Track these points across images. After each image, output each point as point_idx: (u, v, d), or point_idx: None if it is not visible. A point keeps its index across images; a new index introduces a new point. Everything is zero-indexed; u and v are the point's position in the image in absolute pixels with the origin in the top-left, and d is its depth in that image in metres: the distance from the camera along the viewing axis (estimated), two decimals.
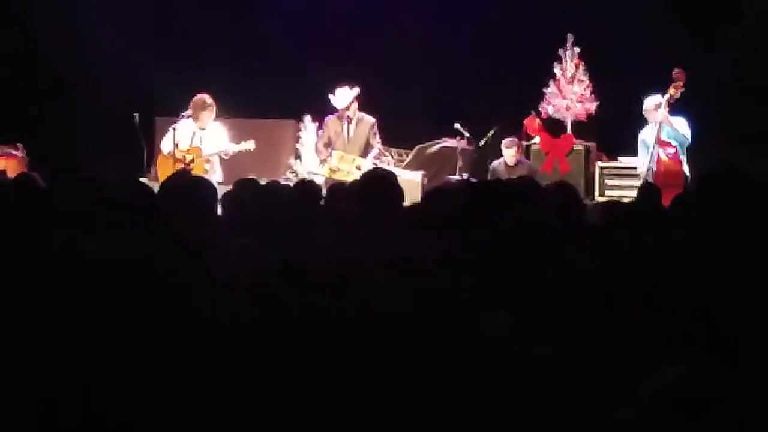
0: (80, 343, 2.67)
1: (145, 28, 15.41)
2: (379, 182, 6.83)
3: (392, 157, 14.25)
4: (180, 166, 12.11)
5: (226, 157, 12.40)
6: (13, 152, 13.68)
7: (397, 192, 6.81)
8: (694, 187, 5.47)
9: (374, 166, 11.54)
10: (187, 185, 5.48)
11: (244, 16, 15.84)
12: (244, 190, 7.63)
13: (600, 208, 7.81)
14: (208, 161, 12.32)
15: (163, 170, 12.08)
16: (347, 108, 12.63)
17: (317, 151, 13.06)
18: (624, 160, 13.54)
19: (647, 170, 12.00)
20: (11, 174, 10.64)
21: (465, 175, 12.93)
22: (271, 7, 15.69)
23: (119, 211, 4.65)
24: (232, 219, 6.04)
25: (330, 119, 12.84)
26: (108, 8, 15.27)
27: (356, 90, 12.65)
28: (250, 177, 8.59)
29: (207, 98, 12.44)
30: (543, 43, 14.46)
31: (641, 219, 6.00)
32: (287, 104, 14.68)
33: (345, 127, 12.68)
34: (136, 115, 12.70)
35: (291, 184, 9.66)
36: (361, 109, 12.78)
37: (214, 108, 12.45)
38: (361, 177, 7.32)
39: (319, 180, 11.36)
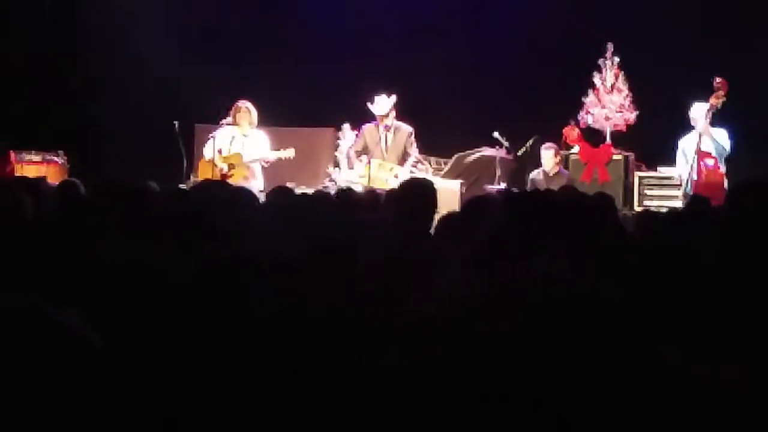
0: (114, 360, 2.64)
1: (186, 37, 15.49)
2: (417, 191, 6.86)
3: (430, 165, 14.23)
4: (219, 171, 12.17)
5: (266, 165, 12.45)
6: (54, 158, 13.77)
7: (434, 201, 6.83)
8: (726, 200, 5.42)
9: (412, 174, 11.58)
10: (228, 197, 5.52)
11: (284, 25, 15.90)
12: (280, 198, 7.70)
13: (635, 218, 7.79)
14: (248, 168, 12.37)
15: (203, 176, 12.12)
16: (386, 115, 12.64)
17: (347, 156, 13.10)
18: (663, 170, 13.46)
19: (687, 180, 11.95)
20: (52, 180, 10.68)
21: (503, 185, 12.92)
22: (310, 16, 15.75)
23: (165, 223, 4.67)
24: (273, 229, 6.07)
25: (367, 127, 12.87)
26: (151, 17, 15.38)
27: (394, 98, 12.67)
28: (285, 186, 8.65)
29: (241, 103, 12.50)
30: (583, 52, 14.41)
31: (675, 229, 5.98)
32: (326, 112, 14.72)
33: (383, 135, 12.70)
34: (176, 122, 12.77)
35: (331, 191, 9.71)
36: (399, 117, 12.80)
37: (252, 112, 12.46)
38: (399, 185, 7.35)
39: (358, 188, 11.38)
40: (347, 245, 4.12)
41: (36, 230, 4.45)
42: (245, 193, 5.44)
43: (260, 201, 6.05)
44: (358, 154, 12.78)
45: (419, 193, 6.90)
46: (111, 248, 3.31)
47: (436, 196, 7.06)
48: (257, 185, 12.11)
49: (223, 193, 5.58)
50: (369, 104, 12.76)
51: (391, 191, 8.06)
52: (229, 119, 12.51)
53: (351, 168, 12.92)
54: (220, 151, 12.38)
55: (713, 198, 11.31)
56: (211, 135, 12.61)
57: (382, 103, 12.68)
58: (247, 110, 12.50)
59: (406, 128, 12.75)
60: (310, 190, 10.56)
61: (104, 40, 15.27)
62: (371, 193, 8.58)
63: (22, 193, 7.14)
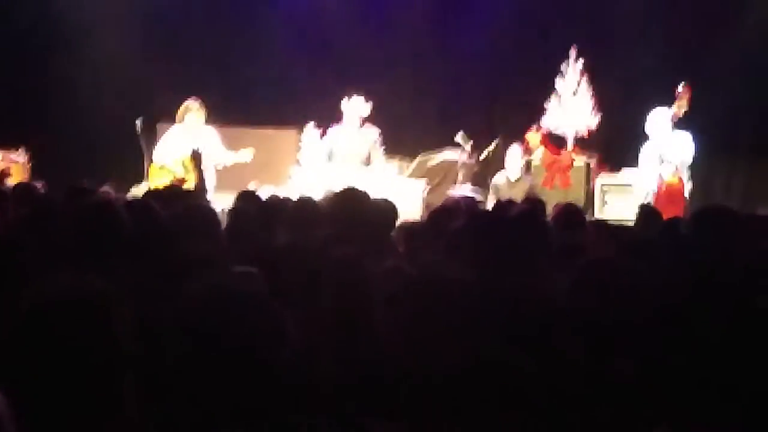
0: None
1: (147, 34, 15.40)
2: (351, 203, 6.76)
3: (396, 165, 14.16)
4: (171, 176, 12.02)
5: (219, 167, 12.33)
6: (14, 157, 13.59)
7: (371, 211, 6.73)
8: (688, 225, 5.45)
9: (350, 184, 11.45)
10: (190, 208, 5.50)
11: (248, 21, 15.80)
12: (247, 204, 7.66)
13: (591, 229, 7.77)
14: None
15: (156, 181, 11.89)
16: (362, 117, 12.63)
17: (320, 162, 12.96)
18: (626, 172, 13.45)
19: (648, 189, 11.99)
20: (13, 181, 10.57)
21: (467, 187, 12.94)
22: (274, 14, 15.67)
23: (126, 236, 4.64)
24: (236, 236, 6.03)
25: (333, 129, 12.83)
26: (113, 13, 15.26)
27: (370, 105, 12.65)
28: (250, 191, 8.61)
29: (190, 101, 12.38)
30: (547, 56, 14.44)
31: (632, 245, 5.98)
32: (289, 112, 14.65)
33: (349, 137, 12.67)
34: (140, 120, 12.61)
35: (293, 194, 9.67)
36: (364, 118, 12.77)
37: (201, 111, 12.36)
38: (333, 198, 7.25)
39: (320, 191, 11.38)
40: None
41: None
42: (206, 214, 5.43)
43: (216, 212, 5.99)
44: (328, 155, 12.74)
45: (356, 206, 6.77)
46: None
47: (380, 205, 6.99)
48: (210, 185, 12.00)
49: (186, 216, 5.48)
50: (345, 101, 12.70)
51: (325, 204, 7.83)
52: (180, 118, 12.42)
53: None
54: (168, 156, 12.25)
55: (674, 205, 11.43)
56: (161, 138, 12.55)
57: (359, 105, 12.65)
58: (197, 109, 12.39)
59: (374, 131, 12.72)
60: (272, 191, 10.54)
61: (66, 37, 15.12)
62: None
63: None
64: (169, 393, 2.88)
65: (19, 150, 13.70)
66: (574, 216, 7.40)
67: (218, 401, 2.77)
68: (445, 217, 7.25)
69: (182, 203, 6.21)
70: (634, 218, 8.62)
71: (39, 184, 8.85)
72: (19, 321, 2.69)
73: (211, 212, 5.70)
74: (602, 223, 8.10)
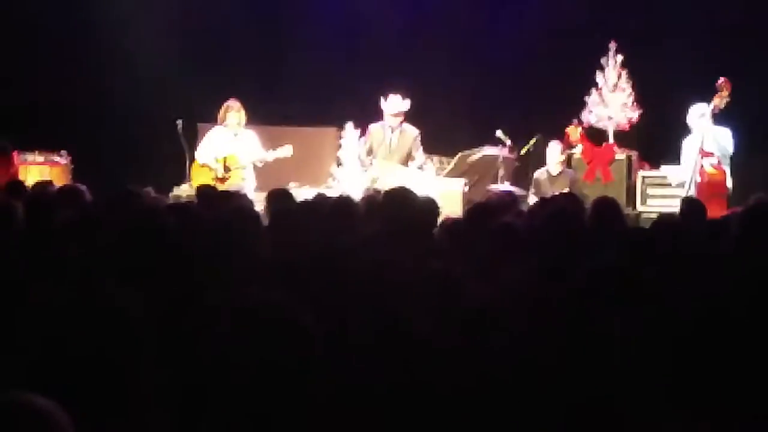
0: None
1: (186, 36, 15.40)
2: (399, 202, 6.79)
3: (433, 164, 14.14)
4: (215, 174, 12.20)
5: (260, 165, 12.46)
6: (57, 159, 13.65)
7: (418, 212, 6.75)
8: (739, 220, 5.41)
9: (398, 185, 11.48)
10: (234, 211, 5.51)
11: (285, 23, 15.83)
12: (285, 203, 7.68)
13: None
14: (243, 169, 12.39)
15: (198, 181, 12.02)
16: (397, 115, 12.62)
17: (360, 161, 12.92)
18: (666, 169, 13.43)
19: (691, 181, 11.94)
20: (56, 182, 10.60)
21: (507, 184, 12.91)
22: (311, 15, 15.66)
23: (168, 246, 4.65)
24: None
25: (373, 127, 12.83)
26: (150, 17, 15.25)
27: (408, 102, 12.65)
28: (283, 189, 8.63)
29: (231, 102, 12.53)
30: (585, 52, 14.38)
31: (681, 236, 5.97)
32: (328, 112, 14.65)
33: (388, 136, 12.67)
34: (180, 121, 12.76)
35: (333, 193, 9.72)
36: (404, 117, 12.77)
37: (242, 112, 12.50)
38: (382, 197, 7.30)
39: (360, 189, 11.46)
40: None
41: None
42: (249, 216, 5.44)
43: (258, 215, 6.00)
44: (369, 154, 12.75)
45: (407, 205, 6.81)
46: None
47: (424, 204, 7.01)
48: (250, 185, 12.19)
49: (229, 219, 5.47)
50: (383, 100, 12.71)
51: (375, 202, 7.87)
52: (221, 118, 12.56)
53: (365, 170, 12.79)
54: (211, 156, 12.41)
55: (716, 197, 11.38)
56: (205, 137, 12.69)
57: (397, 103, 12.65)
58: (238, 109, 12.53)
59: (413, 130, 12.72)
60: (312, 191, 10.55)
61: (104, 40, 15.14)
62: (370, 198, 8.52)
63: (12, 199, 7.08)
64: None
65: (61, 152, 13.76)
66: (612, 210, 7.40)
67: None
68: (487, 214, 7.28)
69: (226, 205, 6.22)
70: (678, 211, 8.60)
71: (83, 187, 8.84)
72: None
73: (254, 215, 5.71)
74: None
